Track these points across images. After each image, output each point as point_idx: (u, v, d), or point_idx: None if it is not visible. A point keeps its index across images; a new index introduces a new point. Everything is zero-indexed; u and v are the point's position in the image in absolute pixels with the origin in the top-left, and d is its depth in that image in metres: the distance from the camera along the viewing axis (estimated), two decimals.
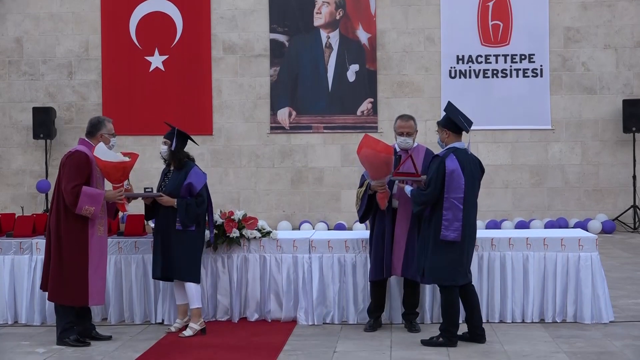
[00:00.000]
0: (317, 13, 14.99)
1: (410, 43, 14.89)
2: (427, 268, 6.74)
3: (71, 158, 6.91)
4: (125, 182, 7.10)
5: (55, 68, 15.26)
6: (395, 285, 7.48)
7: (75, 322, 6.97)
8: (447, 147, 6.81)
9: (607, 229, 14.07)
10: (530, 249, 7.51)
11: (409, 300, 7.32)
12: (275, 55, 14.97)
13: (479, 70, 14.70)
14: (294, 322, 7.61)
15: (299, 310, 7.61)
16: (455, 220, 6.60)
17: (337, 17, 14.95)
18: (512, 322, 7.45)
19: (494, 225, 14.01)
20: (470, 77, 14.72)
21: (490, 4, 14.73)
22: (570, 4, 14.71)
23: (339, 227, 14.25)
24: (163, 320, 7.67)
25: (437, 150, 7.19)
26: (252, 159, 15.03)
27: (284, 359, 6.48)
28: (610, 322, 7.40)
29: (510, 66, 14.68)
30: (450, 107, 6.93)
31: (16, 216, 8.05)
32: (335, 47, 14.92)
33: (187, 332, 7.14)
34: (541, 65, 14.64)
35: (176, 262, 7.12)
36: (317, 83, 14.90)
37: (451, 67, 14.74)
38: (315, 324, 7.54)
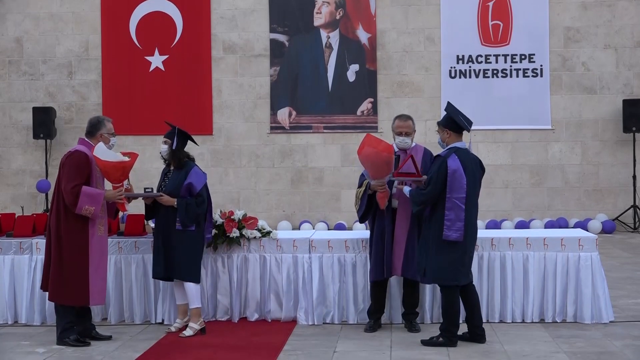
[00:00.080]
0: (317, 13, 14.99)
1: (410, 43, 14.89)
2: (429, 268, 6.74)
3: (71, 158, 6.91)
4: (125, 182, 7.10)
5: (55, 68, 15.27)
6: (395, 285, 7.48)
7: (75, 322, 6.97)
8: (449, 147, 6.80)
9: (607, 228, 14.07)
10: (530, 249, 7.51)
11: (408, 300, 7.32)
12: (275, 55, 14.97)
13: (479, 70, 14.70)
14: (294, 322, 7.61)
15: (299, 310, 7.61)
16: (457, 220, 6.60)
17: (337, 17, 14.95)
18: (512, 322, 7.45)
19: (494, 225, 14.01)
20: (470, 77, 14.72)
21: (490, 3, 14.73)
22: (570, 3, 14.71)
23: (339, 227, 14.25)
24: (163, 320, 7.67)
25: (435, 150, 7.19)
26: (252, 158, 15.03)
27: (284, 358, 6.48)
28: (610, 322, 7.40)
29: (510, 66, 14.69)
30: (450, 107, 6.93)
31: (16, 216, 8.05)
32: (335, 47, 14.92)
33: (188, 332, 7.14)
34: (541, 65, 14.64)
35: (176, 262, 7.12)
36: (317, 83, 14.90)
37: (451, 67, 14.74)
38: (315, 324, 7.54)
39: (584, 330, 7.15)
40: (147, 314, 7.77)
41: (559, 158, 14.69)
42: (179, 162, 7.24)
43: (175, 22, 15.06)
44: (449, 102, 7.07)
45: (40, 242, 7.68)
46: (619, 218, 14.44)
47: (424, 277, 6.88)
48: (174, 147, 7.19)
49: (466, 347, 6.66)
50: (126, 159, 6.95)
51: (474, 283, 6.97)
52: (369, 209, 7.22)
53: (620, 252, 12.04)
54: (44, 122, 14.77)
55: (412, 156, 6.99)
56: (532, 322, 7.43)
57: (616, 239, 13.38)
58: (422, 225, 7.14)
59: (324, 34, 14.95)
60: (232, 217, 7.64)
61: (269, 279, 7.67)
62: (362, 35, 14.89)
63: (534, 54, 14.65)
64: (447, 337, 6.69)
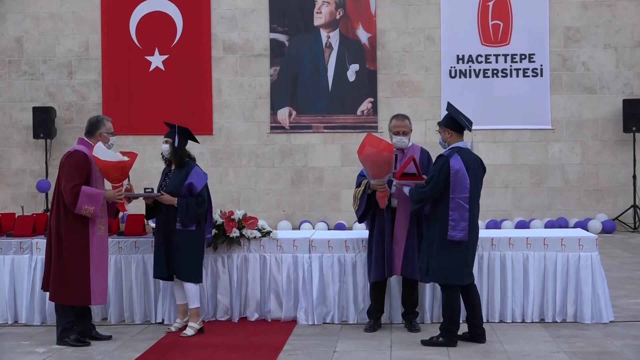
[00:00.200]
0: (317, 13, 14.99)
1: (410, 43, 14.89)
2: (432, 268, 6.74)
3: (70, 158, 6.91)
4: (126, 182, 7.09)
5: (55, 68, 15.27)
6: (395, 285, 7.48)
7: (75, 321, 6.97)
8: (451, 146, 6.80)
9: (607, 228, 14.07)
10: (530, 249, 7.50)
11: (407, 300, 7.32)
12: (275, 55, 14.97)
13: (479, 70, 14.70)
14: (294, 321, 7.61)
15: (299, 310, 7.61)
16: (461, 220, 6.59)
17: (337, 17, 14.95)
18: (512, 322, 7.45)
19: (494, 225, 14.01)
20: (470, 76, 14.72)
21: (491, 3, 14.73)
22: (570, 3, 14.71)
23: (339, 226, 14.25)
24: (163, 320, 7.67)
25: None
26: (252, 158, 15.03)
27: (284, 358, 6.48)
28: (610, 321, 7.39)
29: (511, 66, 14.68)
30: (451, 107, 6.93)
31: (16, 216, 8.05)
32: (336, 46, 14.92)
33: (188, 332, 7.15)
34: (541, 65, 14.64)
35: (176, 262, 7.12)
36: (317, 83, 14.90)
37: (451, 67, 14.74)
38: (315, 323, 7.54)
39: (584, 330, 7.15)
40: (147, 313, 7.77)
41: (559, 158, 14.69)
42: (180, 160, 7.24)
43: (175, 22, 15.06)
44: (449, 102, 7.07)
45: (40, 242, 7.67)
46: (619, 218, 14.44)
47: (426, 276, 6.89)
48: (176, 145, 7.19)
49: (466, 347, 6.66)
50: (125, 158, 6.95)
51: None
52: (368, 208, 7.21)
53: (620, 252, 12.04)
54: (44, 122, 14.77)
55: (414, 158, 6.99)
56: (532, 322, 7.43)
57: (616, 239, 13.38)
58: (423, 224, 7.15)
59: (324, 33, 14.95)
60: (232, 217, 7.64)
61: (269, 279, 7.67)
62: (362, 35, 14.89)
63: (534, 54, 14.65)
64: (447, 337, 6.69)
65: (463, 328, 6.86)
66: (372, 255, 7.23)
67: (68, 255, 6.82)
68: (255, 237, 7.67)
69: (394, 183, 7.12)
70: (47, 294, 7.14)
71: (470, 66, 14.72)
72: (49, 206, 13.15)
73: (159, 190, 7.20)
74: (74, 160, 6.88)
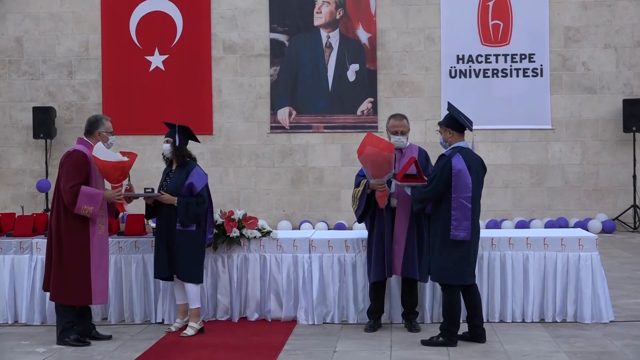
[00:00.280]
0: (317, 13, 14.99)
1: (410, 43, 14.89)
2: (434, 268, 6.74)
3: (69, 157, 6.91)
4: (126, 182, 7.09)
5: (55, 68, 15.27)
6: (395, 285, 7.47)
7: (75, 321, 6.96)
8: (452, 146, 6.80)
9: (607, 228, 14.07)
10: (530, 249, 7.50)
11: (407, 300, 7.32)
12: (275, 55, 14.97)
13: (479, 69, 14.70)
14: (294, 321, 7.61)
15: (299, 310, 7.61)
16: (464, 219, 6.60)
17: (337, 17, 14.95)
18: (512, 322, 7.45)
19: (494, 225, 14.00)
20: (470, 76, 14.72)
21: (491, 3, 14.73)
22: (570, 3, 14.71)
23: (339, 226, 14.25)
24: (163, 320, 7.67)
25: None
26: (252, 158, 15.03)
27: (284, 358, 6.48)
28: (610, 321, 7.39)
29: (511, 66, 14.68)
30: (451, 107, 6.93)
31: (16, 216, 8.05)
32: (336, 46, 14.92)
33: (189, 332, 7.15)
34: (541, 65, 14.64)
35: (177, 262, 7.12)
36: (317, 83, 14.90)
37: (451, 67, 14.74)
38: (315, 323, 7.54)
39: (584, 330, 7.15)
40: (147, 313, 7.77)
41: (559, 158, 14.70)
42: (182, 160, 7.23)
43: (175, 22, 15.06)
44: (449, 102, 7.07)
45: (40, 242, 7.67)
46: (619, 218, 14.44)
47: (428, 275, 6.89)
48: (177, 144, 7.19)
49: (466, 347, 6.66)
50: (125, 159, 6.94)
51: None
52: (367, 208, 7.21)
53: (620, 251, 12.04)
54: (44, 122, 14.77)
55: (415, 159, 6.99)
56: (532, 322, 7.43)
57: (616, 239, 13.38)
58: (422, 224, 7.16)
59: (324, 33, 14.95)
60: (232, 216, 7.64)
61: (269, 279, 7.67)
62: (362, 35, 14.89)
63: (534, 54, 14.65)
64: (447, 337, 6.69)
65: (463, 328, 6.86)
66: (371, 255, 7.23)
67: (68, 255, 6.82)
68: (255, 237, 7.67)
69: (393, 183, 7.11)
70: (48, 294, 7.14)
71: (470, 66, 14.72)
72: (49, 206, 13.16)
73: (159, 190, 7.21)
74: (73, 160, 6.87)
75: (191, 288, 7.17)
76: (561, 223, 14.10)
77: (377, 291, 7.31)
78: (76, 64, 15.24)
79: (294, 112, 14.96)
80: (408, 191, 6.97)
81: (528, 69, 14.66)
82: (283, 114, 14.97)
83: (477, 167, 6.78)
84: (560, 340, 6.83)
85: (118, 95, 15.06)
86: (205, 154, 14.71)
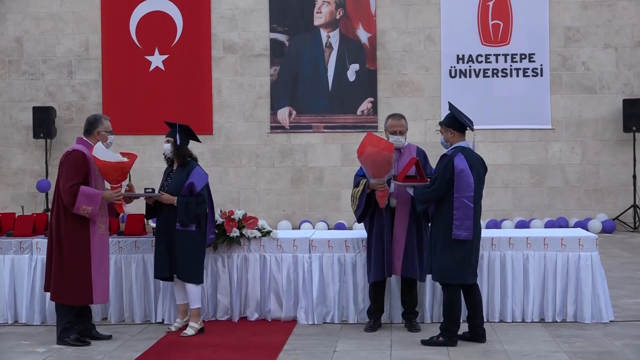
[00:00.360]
0: (317, 12, 14.99)
1: (410, 42, 14.89)
2: (435, 267, 6.74)
3: (68, 157, 6.90)
4: (126, 182, 7.09)
5: (55, 67, 15.27)
6: (395, 285, 7.47)
7: (75, 321, 6.96)
8: (454, 146, 6.80)
9: (607, 228, 14.07)
10: (530, 249, 7.50)
11: (406, 300, 7.32)
12: (275, 55, 14.97)
13: (479, 69, 14.70)
14: (294, 321, 7.61)
15: (299, 310, 7.61)
16: (466, 219, 6.60)
17: (337, 17, 14.95)
18: (512, 322, 7.45)
19: (494, 224, 14.00)
20: (470, 76, 14.72)
21: (491, 3, 14.73)
22: (570, 3, 14.71)
23: (339, 226, 14.25)
24: (163, 320, 7.67)
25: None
26: (252, 158, 15.04)
27: (284, 358, 6.48)
28: (610, 321, 7.39)
29: (511, 66, 14.68)
30: (452, 107, 6.93)
31: (16, 216, 8.05)
32: (336, 46, 14.92)
33: (189, 332, 7.15)
34: (541, 65, 14.64)
35: (177, 262, 7.12)
36: (317, 82, 14.90)
37: (451, 67, 14.74)
38: (315, 323, 7.54)
39: (584, 330, 7.15)
40: (147, 313, 7.77)
41: (559, 158, 14.69)
42: (183, 159, 7.23)
43: (175, 22, 15.06)
44: (450, 102, 7.08)
45: (40, 242, 7.67)
46: (619, 218, 14.44)
47: (427, 275, 6.88)
48: (178, 143, 7.19)
49: (466, 347, 6.66)
50: (125, 159, 6.94)
51: None
52: (367, 208, 7.21)
53: (620, 251, 12.04)
54: (44, 122, 14.77)
55: (417, 161, 6.99)
56: (532, 322, 7.43)
57: (616, 239, 13.38)
58: (422, 224, 7.16)
59: (324, 33, 14.95)
60: (232, 216, 7.64)
61: (269, 279, 7.67)
62: (362, 35, 14.89)
63: (534, 54, 14.65)
64: (448, 337, 6.69)
65: (463, 327, 6.86)
66: (371, 255, 7.23)
67: (69, 255, 6.82)
68: (255, 237, 7.67)
69: (393, 183, 7.11)
70: (48, 294, 7.14)
71: (470, 66, 14.72)
72: (49, 206, 13.16)
73: (160, 190, 7.20)
74: (72, 160, 6.87)
75: (192, 288, 7.17)
76: (561, 223, 14.10)
77: (376, 291, 7.31)
78: (76, 64, 15.24)
79: (294, 112, 14.96)
80: (410, 191, 6.96)
81: (528, 68, 14.66)
82: (283, 113, 14.97)
83: (479, 167, 6.79)
84: (560, 340, 6.83)
85: (118, 95, 15.06)
86: (205, 154, 14.71)
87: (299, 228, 14.00)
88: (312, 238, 7.70)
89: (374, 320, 7.32)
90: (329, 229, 14.07)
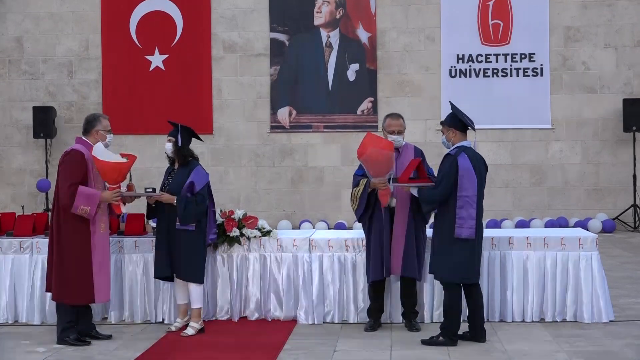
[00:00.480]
0: (317, 12, 14.99)
1: (410, 42, 14.89)
2: (439, 267, 6.74)
3: (67, 157, 6.90)
4: (126, 182, 7.09)
5: (55, 67, 15.27)
6: (395, 285, 7.46)
7: (75, 321, 6.96)
8: (456, 145, 6.80)
9: (607, 228, 14.07)
10: (530, 248, 7.50)
11: (406, 299, 7.31)
12: (275, 55, 14.97)
13: (480, 69, 14.70)
14: (294, 321, 7.61)
15: (299, 310, 7.61)
16: (469, 218, 6.60)
17: (337, 17, 14.95)
18: (513, 322, 7.45)
19: (494, 224, 14.00)
20: (470, 76, 14.71)
21: (491, 3, 14.73)
22: (570, 3, 14.70)
23: (339, 226, 14.25)
24: (163, 320, 7.67)
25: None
26: (252, 158, 15.03)
27: (284, 358, 6.48)
28: (610, 321, 7.39)
29: (511, 65, 14.68)
30: (454, 107, 6.94)
31: (16, 215, 8.05)
32: (336, 46, 14.92)
33: (189, 331, 7.15)
34: (541, 65, 14.64)
35: (178, 262, 7.12)
36: (317, 82, 14.90)
37: (451, 67, 14.74)
38: (316, 323, 7.54)
39: (584, 330, 7.15)
40: (148, 313, 7.76)
41: (559, 157, 14.69)
42: (184, 159, 7.23)
43: (175, 22, 15.06)
44: (451, 102, 7.07)
45: (40, 242, 7.67)
46: (619, 217, 14.44)
47: (427, 274, 6.88)
48: (179, 144, 7.19)
49: (466, 347, 6.66)
50: (124, 160, 6.94)
51: None
52: (368, 207, 7.20)
53: (620, 251, 12.04)
54: (44, 122, 14.77)
55: (420, 161, 6.99)
56: (532, 322, 7.43)
57: (616, 239, 13.37)
58: (420, 224, 7.16)
59: (324, 33, 14.95)
60: (232, 216, 7.64)
61: (269, 278, 7.67)
62: (362, 35, 14.89)
63: (534, 54, 14.65)
64: (448, 336, 6.69)
65: (463, 327, 6.85)
66: (370, 255, 7.23)
67: (70, 255, 6.82)
68: (255, 237, 7.67)
69: (393, 185, 7.09)
70: (49, 294, 7.13)
71: (470, 66, 14.72)
72: (49, 206, 13.15)
73: (161, 189, 7.20)
74: (70, 160, 6.87)
75: (194, 288, 7.17)
76: (561, 223, 14.10)
77: (376, 291, 7.31)
78: (76, 63, 15.24)
79: (294, 112, 14.96)
80: (414, 192, 6.96)
81: (528, 68, 14.66)
82: (283, 113, 14.97)
83: (481, 167, 6.80)
84: (560, 339, 6.83)
85: (118, 95, 15.05)
86: (206, 154, 14.70)
87: (299, 228, 13.99)
88: (312, 238, 7.70)
89: (374, 320, 7.32)
90: (329, 228, 14.07)
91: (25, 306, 7.69)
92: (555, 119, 14.69)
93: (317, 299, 7.55)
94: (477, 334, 6.79)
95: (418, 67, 14.86)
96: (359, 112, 14.86)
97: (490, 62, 14.70)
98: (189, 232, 7.11)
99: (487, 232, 8.00)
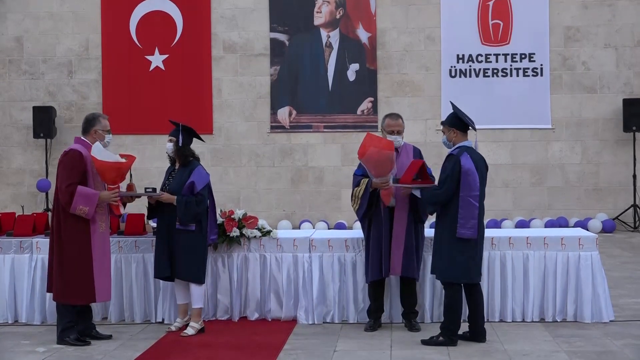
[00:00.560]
0: (317, 12, 14.99)
1: (410, 42, 14.89)
2: (441, 266, 6.73)
3: (65, 157, 6.89)
4: (126, 181, 7.09)
5: (55, 67, 15.26)
6: (394, 285, 7.47)
7: (75, 321, 6.96)
8: (458, 145, 6.80)
9: (607, 228, 14.07)
10: (530, 248, 7.50)
11: (406, 299, 7.31)
12: (275, 55, 14.97)
13: (480, 69, 14.70)
14: (294, 321, 7.61)
15: (299, 310, 7.61)
16: (471, 218, 6.60)
17: (337, 16, 14.95)
18: (513, 322, 7.45)
19: (494, 224, 13.99)
20: (470, 76, 14.71)
21: (491, 3, 14.73)
22: (570, 3, 14.70)
23: (339, 226, 14.25)
24: (163, 320, 7.67)
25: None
26: (252, 158, 15.03)
27: (284, 358, 6.48)
28: (610, 321, 7.39)
29: (511, 65, 14.68)
30: (455, 107, 6.93)
31: (16, 215, 8.05)
32: (336, 46, 14.92)
33: (189, 331, 7.15)
34: (541, 65, 14.64)
35: (178, 262, 7.12)
36: (318, 82, 14.90)
37: (451, 67, 14.74)
38: (316, 323, 7.54)
39: (584, 330, 7.15)
40: (148, 313, 7.76)
41: (559, 157, 14.69)
42: (185, 159, 7.23)
43: (175, 22, 15.06)
44: (452, 102, 7.07)
45: (40, 242, 7.67)
46: (619, 217, 14.44)
47: (432, 273, 6.89)
48: (180, 144, 7.19)
49: (466, 347, 6.66)
50: (123, 160, 6.93)
51: None
52: (369, 207, 7.20)
53: (620, 251, 12.04)
54: (44, 122, 14.77)
55: (423, 163, 6.99)
56: (533, 322, 7.43)
57: (616, 238, 13.38)
58: (420, 224, 7.17)
59: (324, 33, 14.95)
60: (232, 216, 7.64)
61: (269, 278, 7.67)
62: (362, 35, 14.89)
63: (534, 54, 14.64)
64: (448, 336, 6.69)
65: (463, 327, 6.85)
66: (369, 255, 7.22)
67: (70, 255, 6.81)
68: (255, 237, 7.67)
69: (391, 182, 7.09)
70: (49, 294, 7.12)
71: (470, 66, 14.72)
72: (49, 206, 13.15)
73: (162, 189, 7.20)
74: (69, 160, 6.86)
75: (195, 288, 7.16)
76: (561, 223, 14.10)
77: (376, 291, 7.31)
78: (76, 63, 15.24)
79: (294, 112, 14.96)
80: (417, 193, 6.95)
81: (528, 68, 14.66)
82: (283, 113, 14.97)
83: (482, 166, 6.80)
84: (560, 339, 6.83)
85: (118, 95, 15.05)
86: (206, 154, 14.69)
87: (299, 228, 13.99)
88: (312, 238, 7.70)
89: (374, 319, 7.32)
90: (329, 228, 14.07)
91: (25, 306, 7.69)
92: (555, 119, 14.69)
93: (317, 299, 7.55)
94: (477, 334, 6.79)
95: (418, 67, 14.86)
96: (359, 112, 14.86)
97: (490, 62, 14.70)
98: (189, 232, 7.11)
99: (487, 232, 7.99)
